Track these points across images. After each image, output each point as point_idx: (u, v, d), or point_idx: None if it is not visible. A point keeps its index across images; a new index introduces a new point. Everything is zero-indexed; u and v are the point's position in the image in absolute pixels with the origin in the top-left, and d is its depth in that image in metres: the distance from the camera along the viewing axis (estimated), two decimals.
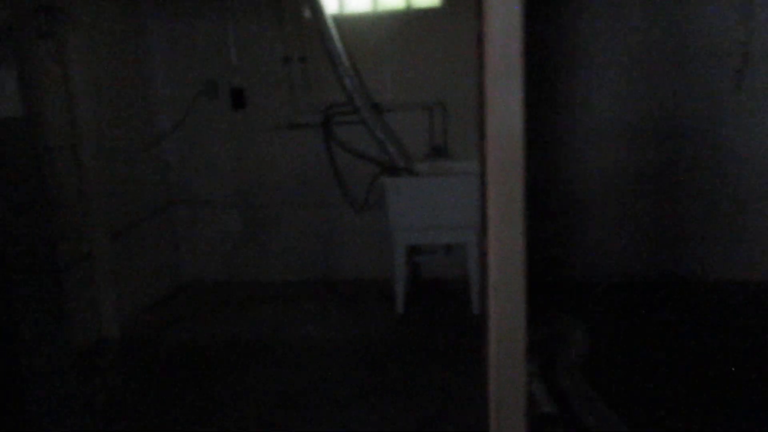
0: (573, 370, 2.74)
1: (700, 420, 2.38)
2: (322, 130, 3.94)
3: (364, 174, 3.93)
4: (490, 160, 1.69)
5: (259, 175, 4.16)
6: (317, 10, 3.59)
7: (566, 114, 3.77)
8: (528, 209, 1.61)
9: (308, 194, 4.13)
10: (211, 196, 4.23)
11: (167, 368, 3.09)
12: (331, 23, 3.62)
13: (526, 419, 1.57)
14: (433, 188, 3.47)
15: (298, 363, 3.07)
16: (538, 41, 3.47)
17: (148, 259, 3.95)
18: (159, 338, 3.44)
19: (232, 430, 2.53)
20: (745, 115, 3.61)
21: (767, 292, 3.59)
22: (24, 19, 2.89)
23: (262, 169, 4.14)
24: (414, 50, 3.83)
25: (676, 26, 3.59)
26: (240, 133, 4.10)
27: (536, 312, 1.69)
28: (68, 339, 2.55)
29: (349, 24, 3.79)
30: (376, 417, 2.57)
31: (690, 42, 3.59)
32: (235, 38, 3.93)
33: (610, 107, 3.73)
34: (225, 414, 2.64)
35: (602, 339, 3.04)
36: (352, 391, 2.76)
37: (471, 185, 3.38)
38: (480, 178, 2.79)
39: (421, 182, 3.56)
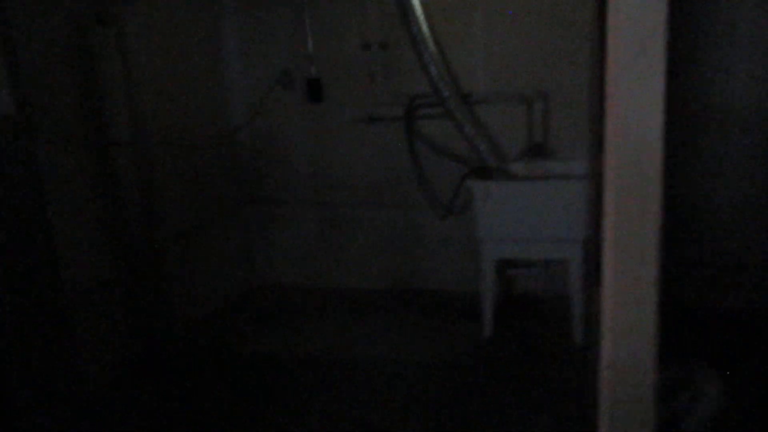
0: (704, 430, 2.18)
1: None
2: (403, 124, 3.54)
3: (450, 174, 3.48)
4: (610, 174, 1.21)
5: (337, 173, 3.82)
6: None
7: (699, 106, 3.12)
8: None
9: (389, 195, 3.75)
10: (286, 194, 3.95)
11: (224, 388, 2.81)
12: (416, 3, 3.19)
13: None
14: (530, 193, 2.97)
15: (368, 389, 2.70)
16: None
17: (218, 261, 3.72)
18: (220, 350, 3.19)
19: None
20: None
21: None
22: (82, 3, 2.68)
23: (340, 166, 3.80)
24: (511, 31, 3.32)
25: None
26: (317, 127, 3.77)
27: (661, 349, 1.21)
28: (73, 385, 2.26)
29: (436, 4, 3.34)
30: None
31: None
32: (312, 23, 3.59)
33: (757, 97, 3.03)
34: None
35: (742, 390, 2.43)
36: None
37: (576, 191, 2.85)
38: (592, 190, 2.28)
39: (516, 186, 3.06)
